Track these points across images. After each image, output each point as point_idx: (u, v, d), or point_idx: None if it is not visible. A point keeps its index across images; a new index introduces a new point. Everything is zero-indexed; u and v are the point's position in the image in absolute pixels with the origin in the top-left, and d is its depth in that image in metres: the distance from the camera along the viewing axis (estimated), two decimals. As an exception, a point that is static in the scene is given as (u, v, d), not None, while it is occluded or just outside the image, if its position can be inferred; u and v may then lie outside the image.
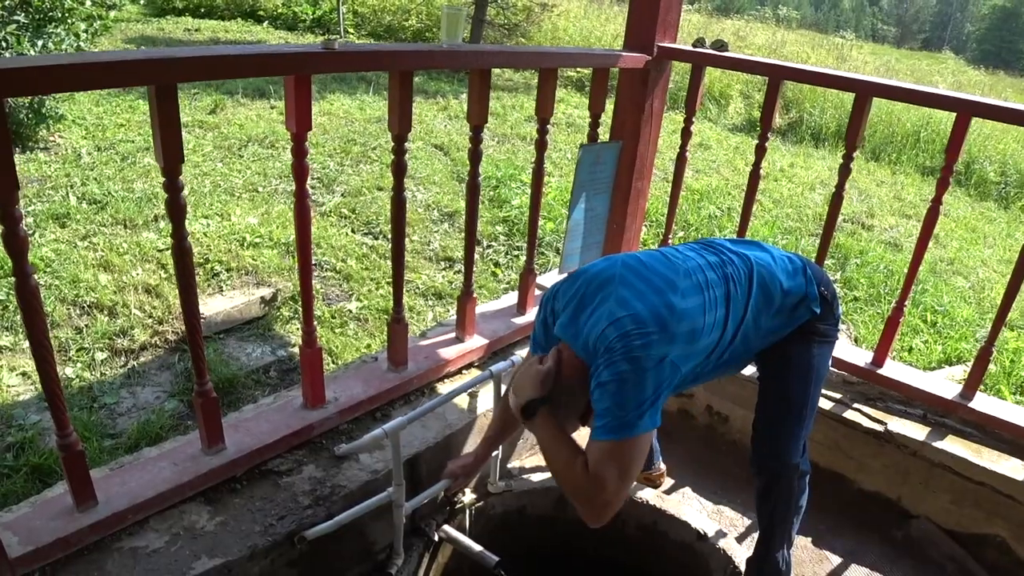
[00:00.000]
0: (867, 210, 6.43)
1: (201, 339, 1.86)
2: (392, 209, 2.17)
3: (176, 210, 1.70)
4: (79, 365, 3.26)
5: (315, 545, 1.94)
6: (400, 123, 2.05)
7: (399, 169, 2.12)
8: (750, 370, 2.78)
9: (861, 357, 2.77)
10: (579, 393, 1.71)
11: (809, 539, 2.54)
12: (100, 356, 3.32)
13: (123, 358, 3.34)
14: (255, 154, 5.60)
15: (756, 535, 2.14)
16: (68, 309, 3.55)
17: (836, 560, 2.48)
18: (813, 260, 2.15)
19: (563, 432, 1.72)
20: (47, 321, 3.42)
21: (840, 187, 2.59)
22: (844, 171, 2.56)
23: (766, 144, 2.72)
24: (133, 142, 5.66)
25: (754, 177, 2.75)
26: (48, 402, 1.70)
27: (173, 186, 1.68)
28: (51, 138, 5.63)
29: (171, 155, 1.63)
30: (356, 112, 7.05)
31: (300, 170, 1.91)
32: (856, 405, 2.70)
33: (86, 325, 3.48)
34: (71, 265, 3.84)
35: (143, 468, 1.95)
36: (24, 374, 3.18)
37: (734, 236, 2.68)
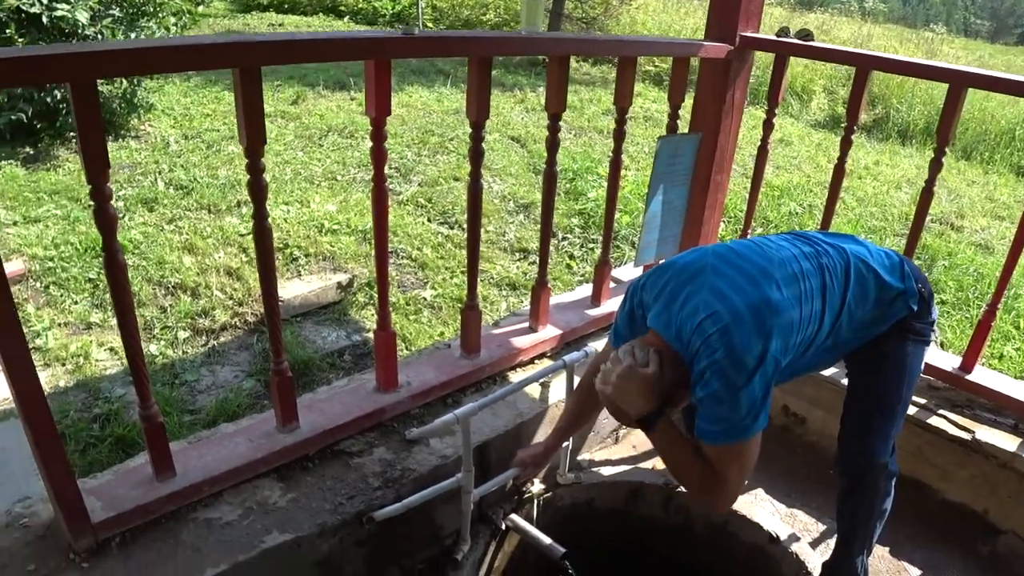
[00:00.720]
0: (957, 210, 6.14)
1: (279, 319, 1.90)
2: (468, 196, 2.17)
3: (257, 191, 1.73)
4: (163, 343, 3.39)
5: (383, 527, 1.96)
6: (478, 110, 2.05)
7: (476, 156, 2.11)
8: (830, 371, 2.69)
9: (948, 362, 2.64)
10: (682, 388, 1.69)
11: (887, 549, 2.44)
12: (183, 335, 3.44)
13: (204, 337, 3.45)
14: (334, 144, 5.71)
15: (832, 540, 2.06)
16: (154, 289, 3.68)
17: (915, 572, 2.37)
18: (902, 259, 2.07)
19: (681, 437, 1.74)
20: (134, 300, 3.58)
21: (930, 182, 2.47)
22: (935, 166, 2.44)
23: (851, 137, 2.61)
24: (218, 131, 5.84)
25: (839, 170, 2.65)
26: (132, 375, 1.76)
27: (255, 167, 1.71)
28: (142, 127, 5.88)
29: (253, 136, 1.66)
30: (434, 104, 7.11)
31: (379, 155, 1.93)
32: (942, 411, 2.57)
33: (170, 305, 3.60)
34: (157, 247, 3.98)
35: (219, 443, 2.00)
36: (112, 350, 3.31)
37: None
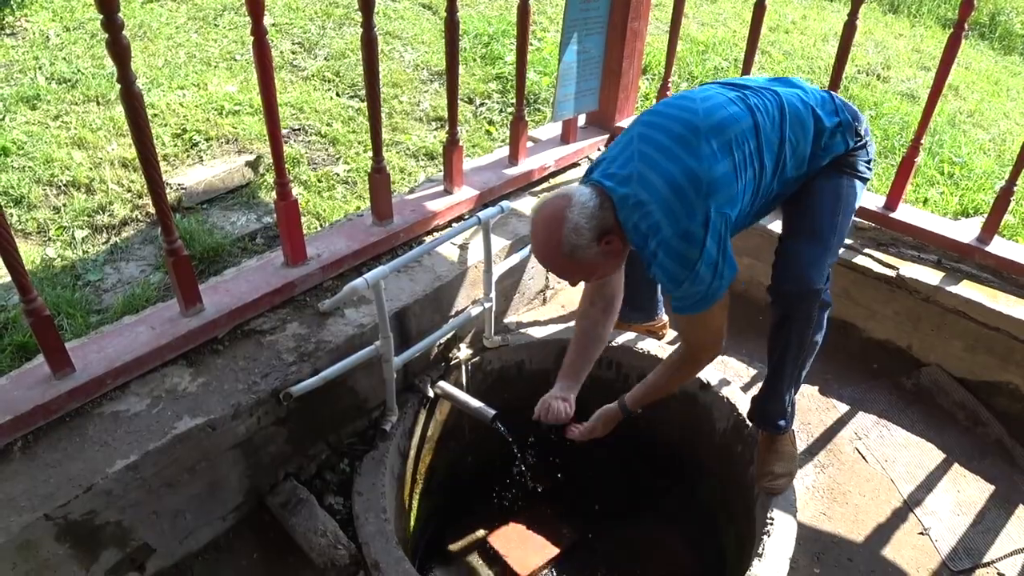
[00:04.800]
0: (883, 61, 6.09)
1: (162, 188, 1.73)
2: (363, 50, 1.98)
3: (120, 51, 1.53)
4: (59, 244, 3.16)
5: (303, 403, 1.89)
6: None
7: (367, 4, 1.91)
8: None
9: (873, 202, 2.63)
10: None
11: (816, 388, 2.49)
12: (80, 234, 3.21)
13: (104, 235, 3.22)
14: (231, 23, 5.29)
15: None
16: (44, 190, 3.41)
17: (843, 408, 2.43)
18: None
19: (648, 384, 1.98)
20: (23, 202, 3.32)
21: (853, 15, 2.35)
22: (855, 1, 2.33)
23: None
24: (101, 17, 5.35)
25: (759, 7, 2.52)
26: (4, 263, 1.60)
27: (112, 23, 1.50)
28: (17, 23, 5.38)
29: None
30: (339, -24, 6.63)
31: (255, 6, 1.72)
32: (867, 251, 2.58)
33: (64, 204, 3.34)
34: (44, 145, 3.67)
35: (120, 334, 1.89)
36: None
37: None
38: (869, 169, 1.91)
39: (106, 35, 1.51)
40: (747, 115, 1.71)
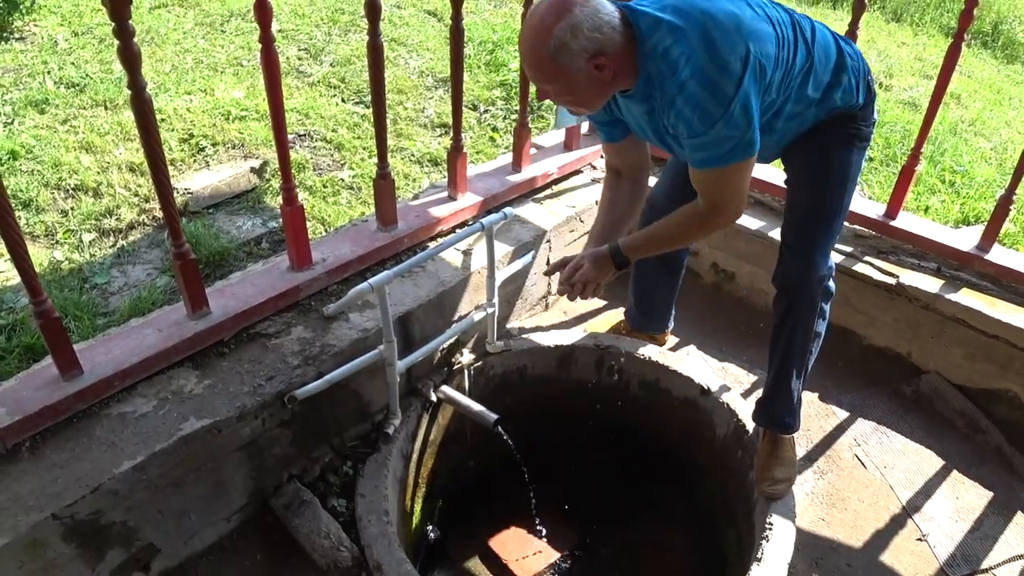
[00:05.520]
0: (886, 70, 6.11)
1: (171, 193, 1.75)
2: (369, 57, 2.00)
3: (129, 57, 1.57)
4: (67, 247, 3.19)
5: (307, 406, 1.90)
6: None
7: (373, 11, 1.94)
8: (756, 224, 2.68)
9: (873, 209, 2.65)
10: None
11: (816, 395, 2.50)
12: (88, 237, 3.24)
13: (112, 238, 3.25)
14: (238, 28, 5.33)
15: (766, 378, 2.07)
16: (52, 193, 3.44)
17: (843, 415, 2.44)
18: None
19: (650, 233, 1.84)
20: (31, 205, 3.35)
21: (854, 24, 2.38)
22: (858, 9, 2.35)
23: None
24: (111, 24, 5.39)
25: None
26: (15, 265, 1.63)
27: (123, 31, 1.54)
28: (26, 27, 5.43)
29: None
30: (344, -18, 6.67)
31: (263, 14, 1.75)
32: (867, 258, 2.60)
33: (71, 208, 3.38)
34: (52, 149, 3.70)
35: (128, 336, 1.91)
36: (11, 259, 3.10)
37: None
38: (872, 134, 1.87)
39: (117, 42, 1.54)
40: (787, 15, 1.68)
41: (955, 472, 2.27)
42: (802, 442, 2.31)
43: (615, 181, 2.02)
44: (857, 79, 1.77)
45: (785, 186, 1.95)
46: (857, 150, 1.83)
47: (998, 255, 2.46)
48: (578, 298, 1.91)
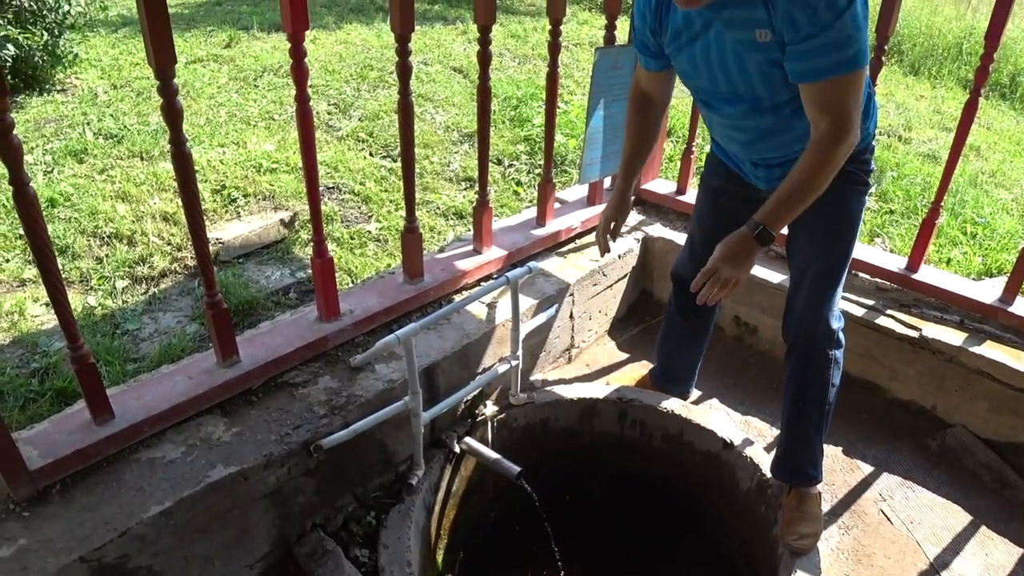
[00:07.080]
0: (905, 123, 6.16)
1: (206, 245, 1.82)
2: (399, 114, 2.08)
3: (172, 114, 1.63)
4: (100, 293, 3.27)
5: (333, 455, 1.92)
6: (402, 22, 1.95)
7: (404, 71, 2.02)
8: (778, 278, 2.70)
9: (895, 263, 2.66)
10: None
11: (839, 448, 2.48)
12: (121, 284, 3.32)
13: (144, 285, 3.33)
14: (270, 84, 5.51)
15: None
16: (88, 240, 3.54)
17: (867, 469, 2.42)
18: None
19: (786, 190, 1.61)
20: (68, 252, 3.45)
21: (872, 77, 2.42)
22: (876, 64, 2.40)
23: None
24: (148, 79, 5.59)
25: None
26: (55, 311, 1.68)
27: (167, 89, 1.60)
28: (68, 80, 5.64)
29: (162, 55, 1.55)
30: (373, 40, 6.87)
31: (300, 73, 1.83)
32: (890, 311, 2.60)
33: (106, 255, 3.47)
34: (89, 198, 3.82)
35: (159, 382, 1.95)
36: (47, 304, 3.18)
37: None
38: (869, 177, 1.86)
39: (161, 100, 1.61)
40: None
41: (984, 528, 2.23)
42: (826, 496, 2.29)
43: (645, 104, 2.06)
44: (871, 118, 1.80)
45: (786, 232, 1.95)
46: (859, 196, 1.85)
47: (1021, 307, 2.45)
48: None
